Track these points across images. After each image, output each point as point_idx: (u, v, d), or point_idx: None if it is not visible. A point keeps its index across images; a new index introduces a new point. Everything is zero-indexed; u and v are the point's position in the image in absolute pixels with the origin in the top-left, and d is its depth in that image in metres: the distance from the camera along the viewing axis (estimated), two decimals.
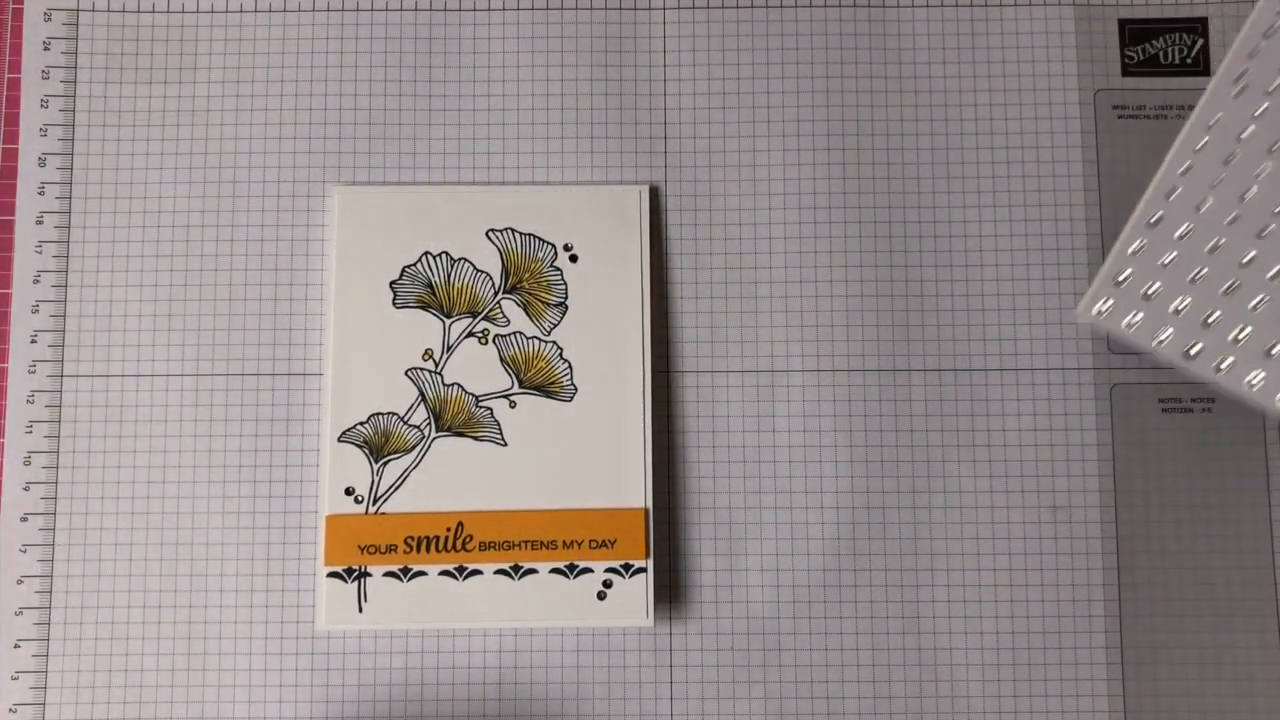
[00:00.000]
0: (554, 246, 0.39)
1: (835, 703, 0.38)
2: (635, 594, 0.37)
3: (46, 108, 0.41)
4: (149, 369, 0.40)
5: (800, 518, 0.39)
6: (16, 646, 0.38)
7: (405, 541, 0.37)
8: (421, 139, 0.41)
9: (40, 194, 0.40)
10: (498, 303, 0.38)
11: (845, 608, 0.39)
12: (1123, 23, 0.41)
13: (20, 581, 0.39)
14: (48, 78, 0.41)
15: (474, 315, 0.38)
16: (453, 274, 0.38)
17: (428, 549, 0.37)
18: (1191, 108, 0.41)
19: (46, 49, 0.41)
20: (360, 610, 0.37)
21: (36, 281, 0.40)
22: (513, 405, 0.38)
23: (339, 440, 0.38)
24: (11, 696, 0.38)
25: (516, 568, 0.37)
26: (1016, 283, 0.40)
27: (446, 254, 0.39)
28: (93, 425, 0.39)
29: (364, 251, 0.39)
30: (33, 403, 0.39)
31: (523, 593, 0.37)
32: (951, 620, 0.38)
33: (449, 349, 0.38)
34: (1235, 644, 0.38)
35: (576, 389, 0.38)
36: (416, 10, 0.41)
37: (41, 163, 0.40)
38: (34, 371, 0.40)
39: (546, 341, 0.38)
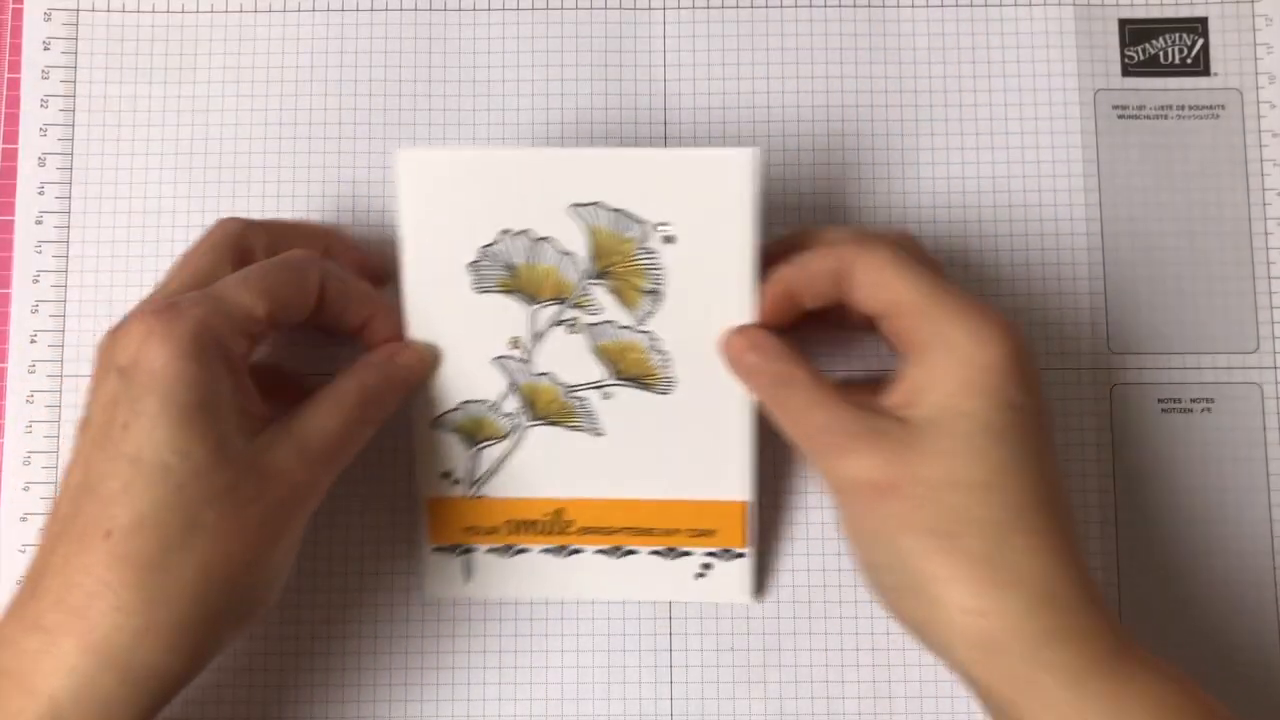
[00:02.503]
0: (647, 225, 0.34)
1: (835, 703, 0.38)
2: (735, 573, 0.37)
3: (46, 108, 0.41)
4: None
5: (800, 517, 0.39)
6: None
7: (507, 523, 0.37)
8: (421, 139, 0.41)
9: (40, 194, 0.40)
10: (586, 289, 0.35)
11: (845, 608, 0.39)
12: (1123, 23, 0.41)
13: (20, 582, 0.39)
14: (48, 78, 0.41)
15: (561, 302, 0.35)
16: (535, 255, 0.35)
17: (529, 532, 0.37)
18: (1192, 107, 0.41)
19: (46, 49, 0.41)
20: (465, 581, 0.38)
21: (36, 281, 0.40)
22: (607, 396, 0.36)
23: (431, 427, 0.36)
24: None
25: (616, 548, 0.37)
26: (1016, 283, 0.40)
27: (528, 232, 0.34)
28: None
29: (436, 230, 0.34)
30: (32, 403, 0.39)
31: (623, 570, 0.37)
32: None
33: (537, 337, 0.36)
34: (1235, 644, 0.38)
35: (675, 381, 0.36)
36: (416, 10, 0.41)
37: (41, 163, 0.40)
38: (34, 371, 0.40)
39: (640, 332, 0.35)
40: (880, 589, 0.31)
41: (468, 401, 0.36)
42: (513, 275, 0.35)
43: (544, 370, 0.36)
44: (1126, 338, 0.40)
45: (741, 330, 0.34)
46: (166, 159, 0.40)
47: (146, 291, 0.40)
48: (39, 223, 0.40)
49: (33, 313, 0.40)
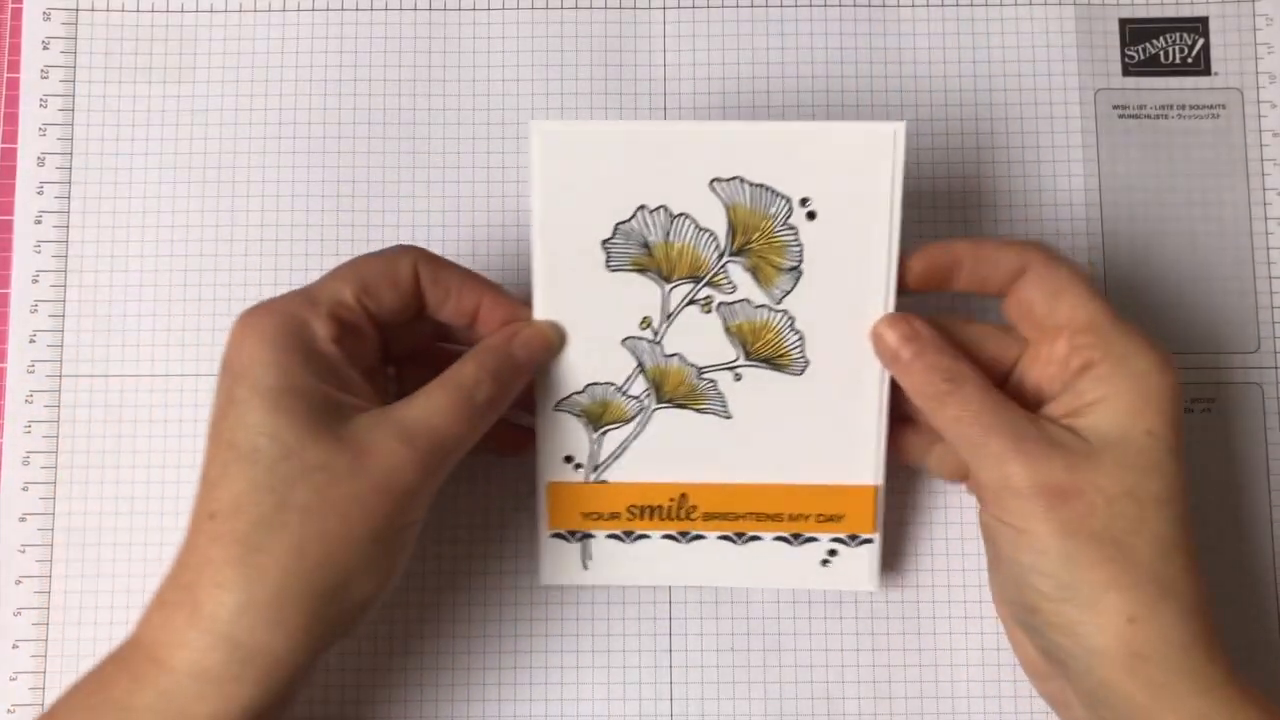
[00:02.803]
0: (789, 200, 0.33)
1: (835, 703, 0.38)
2: (862, 560, 0.36)
3: (46, 107, 0.41)
4: (148, 369, 0.40)
5: None
6: (15, 647, 0.38)
7: (628, 510, 0.36)
8: (421, 138, 0.41)
9: (39, 194, 0.40)
10: (723, 267, 0.34)
11: (845, 608, 0.39)
12: (1123, 22, 0.41)
13: (19, 582, 0.39)
14: (47, 77, 0.41)
15: (696, 280, 0.34)
16: (672, 232, 0.33)
17: (650, 517, 0.36)
18: (1192, 107, 0.41)
19: (46, 49, 0.41)
20: (583, 567, 0.37)
21: (35, 281, 0.40)
22: (738, 378, 0.35)
23: (555, 410, 0.35)
24: (10, 697, 0.38)
25: (740, 534, 0.36)
26: None
27: (665, 208, 0.33)
28: (92, 425, 0.39)
29: (570, 205, 0.33)
30: (32, 403, 0.39)
31: (746, 556, 0.36)
32: (952, 620, 0.38)
33: (669, 317, 0.34)
34: (1235, 644, 0.38)
35: (808, 361, 0.34)
36: (416, 10, 0.41)
37: (41, 162, 0.40)
38: (33, 371, 0.39)
39: (776, 310, 0.34)
40: (1025, 590, 0.31)
41: (594, 384, 0.35)
42: (648, 253, 0.33)
43: (674, 351, 0.34)
44: None
45: (898, 319, 0.33)
46: (166, 158, 0.40)
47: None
48: (38, 222, 0.40)
49: (32, 312, 0.40)
